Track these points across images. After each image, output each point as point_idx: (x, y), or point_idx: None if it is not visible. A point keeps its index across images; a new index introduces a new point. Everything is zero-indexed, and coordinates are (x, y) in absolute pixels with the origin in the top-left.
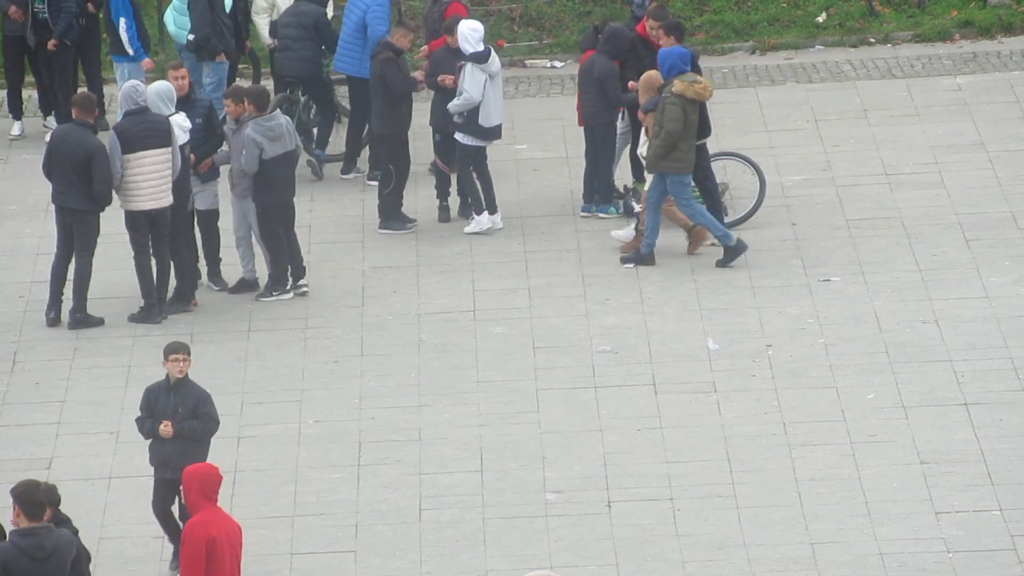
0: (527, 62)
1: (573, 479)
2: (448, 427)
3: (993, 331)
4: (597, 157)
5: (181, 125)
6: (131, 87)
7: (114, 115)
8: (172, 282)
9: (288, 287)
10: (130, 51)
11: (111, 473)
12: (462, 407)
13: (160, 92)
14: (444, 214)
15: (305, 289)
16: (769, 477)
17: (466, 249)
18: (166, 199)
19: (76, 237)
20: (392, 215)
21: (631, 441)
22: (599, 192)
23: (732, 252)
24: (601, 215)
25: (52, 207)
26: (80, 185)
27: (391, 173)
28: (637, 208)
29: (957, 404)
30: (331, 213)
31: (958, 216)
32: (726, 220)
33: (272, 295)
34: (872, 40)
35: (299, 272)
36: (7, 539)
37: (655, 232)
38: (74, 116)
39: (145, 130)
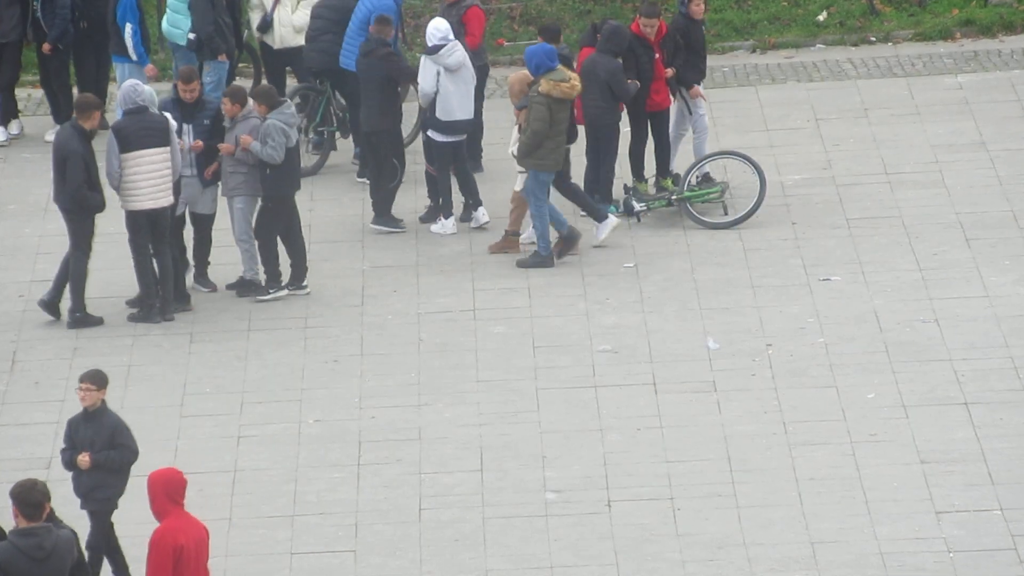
0: None
1: (573, 479)
2: (448, 427)
3: (993, 330)
4: (600, 157)
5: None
6: (130, 86)
7: (113, 114)
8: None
9: (284, 284)
10: (134, 57)
11: None
12: (462, 407)
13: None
14: (431, 214)
15: (307, 290)
16: (769, 477)
17: (466, 249)
18: (165, 199)
19: (69, 236)
20: (387, 211)
21: (631, 441)
22: (600, 192)
23: (540, 260)
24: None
25: (52, 206)
26: (62, 185)
27: (395, 168)
28: (638, 208)
29: (957, 403)
30: (331, 213)
31: (958, 215)
32: (726, 219)
33: (270, 293)
34: (873, 39)
35: (301, 274)
36: (6, 539)
37: (557, 223)
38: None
39: (143, 129)
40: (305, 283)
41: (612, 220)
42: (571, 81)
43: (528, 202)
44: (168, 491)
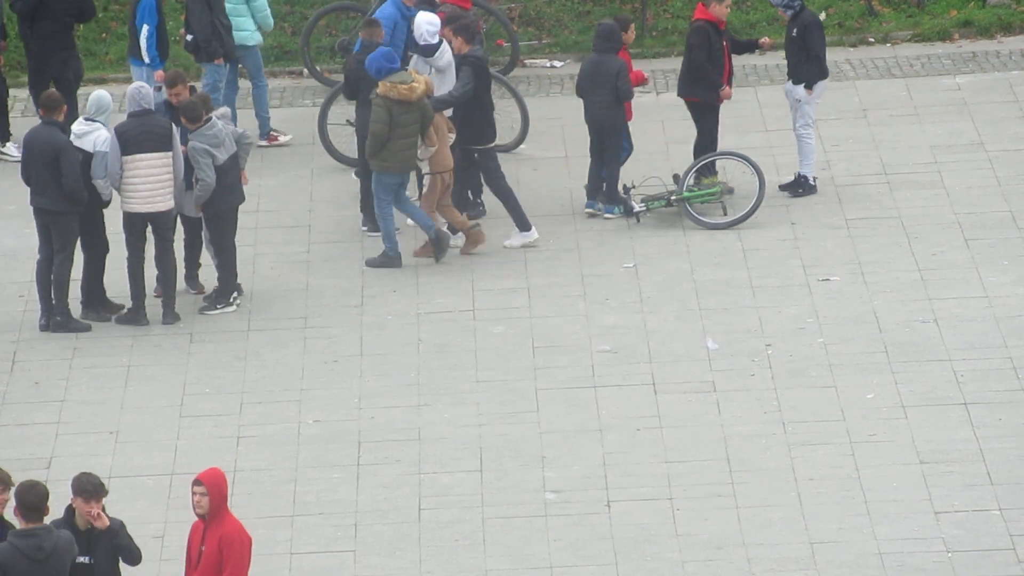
0: (527, 62)
1: (573, 479)
2: (447, 427)
3: (992, 331)
4: (606, 157)
5: (108, 139)
6: (135, 89)
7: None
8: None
9: (232, 300)
10: (147, 59)
11: (110, 473)
12: (461, 407)
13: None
14: (475, 210)
15: (234, 307)
16: (769, 477)
17: None
18: (164, 203)
19: (54, 238)
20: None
21: (631, 441)
22: (606, 192)
23: (387, 260)
24: (607, 215)
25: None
26: (54, 184)
27: None
28: (637, 208)
29: (956, 404)
30: (331, 213)
31: (957, 216)
32: (726, 219)
33: (217, 308)
34: (871, 40)
35: (226, 291)
36: (6, 539)
37: (424, 226)
38: (41, 116)
39: (144, 133)
40: (235, 298)
41: (532, 234)
42: (410, 84)
43: (375, 205)
44: (226, 489)
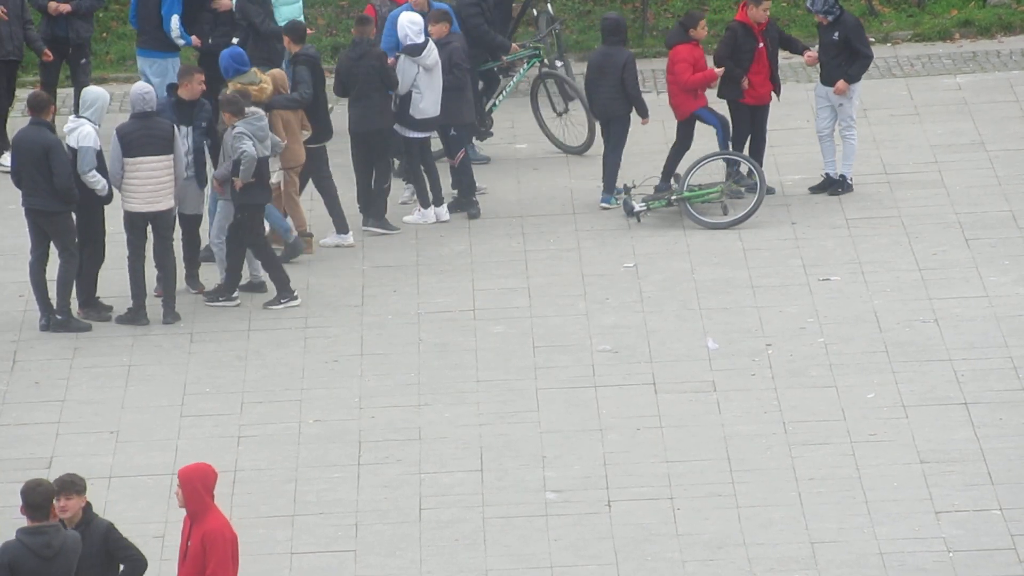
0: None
1: (573, 478)
2: (448, 426)
3: (993, 330)
4: (608, 147)
5: (89, 134)
6: (139, 89)
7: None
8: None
9: (235, 296)
10: (181, 43)
11: (111, 472)
12: (462, 406)
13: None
14: (473, 209)
15: (298, 301)
16: (769, 476)
17: (466, 249)
18: (164, 203)
19: (53, 239)
20: (382, 212)
21: (631, 441)
22: (605, 181)
23: (292, 248)
24: (602, 204)
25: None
26: (45, 184)
27: (391, 167)
28: (638, 208)
29: (957, 403)
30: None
31: (958, 215)
32: (726, 219)
33: (219, 300)
34: (872, 39)
35: (284, 285)
36: (15, 537)
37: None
38: (30, 116)
39: (145, 135)
40: (295, 293)
41: (348, 238)
42: (260, 84)
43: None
44: (207, 485)
